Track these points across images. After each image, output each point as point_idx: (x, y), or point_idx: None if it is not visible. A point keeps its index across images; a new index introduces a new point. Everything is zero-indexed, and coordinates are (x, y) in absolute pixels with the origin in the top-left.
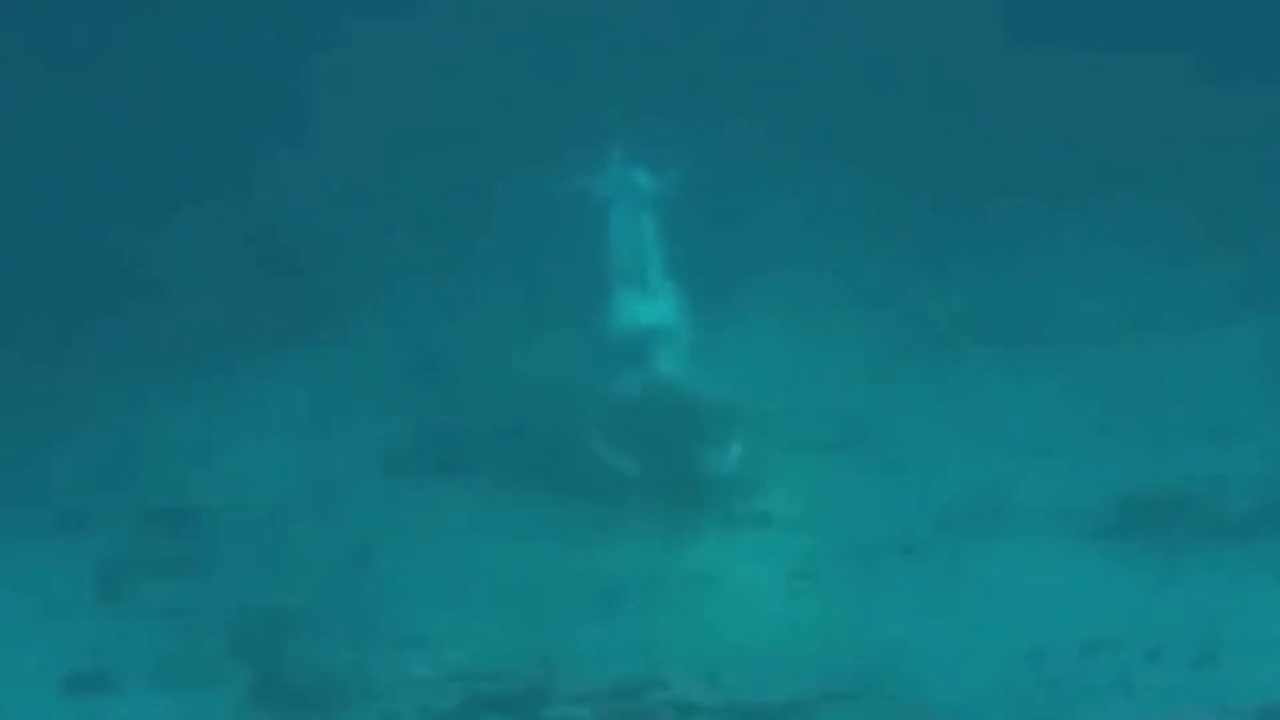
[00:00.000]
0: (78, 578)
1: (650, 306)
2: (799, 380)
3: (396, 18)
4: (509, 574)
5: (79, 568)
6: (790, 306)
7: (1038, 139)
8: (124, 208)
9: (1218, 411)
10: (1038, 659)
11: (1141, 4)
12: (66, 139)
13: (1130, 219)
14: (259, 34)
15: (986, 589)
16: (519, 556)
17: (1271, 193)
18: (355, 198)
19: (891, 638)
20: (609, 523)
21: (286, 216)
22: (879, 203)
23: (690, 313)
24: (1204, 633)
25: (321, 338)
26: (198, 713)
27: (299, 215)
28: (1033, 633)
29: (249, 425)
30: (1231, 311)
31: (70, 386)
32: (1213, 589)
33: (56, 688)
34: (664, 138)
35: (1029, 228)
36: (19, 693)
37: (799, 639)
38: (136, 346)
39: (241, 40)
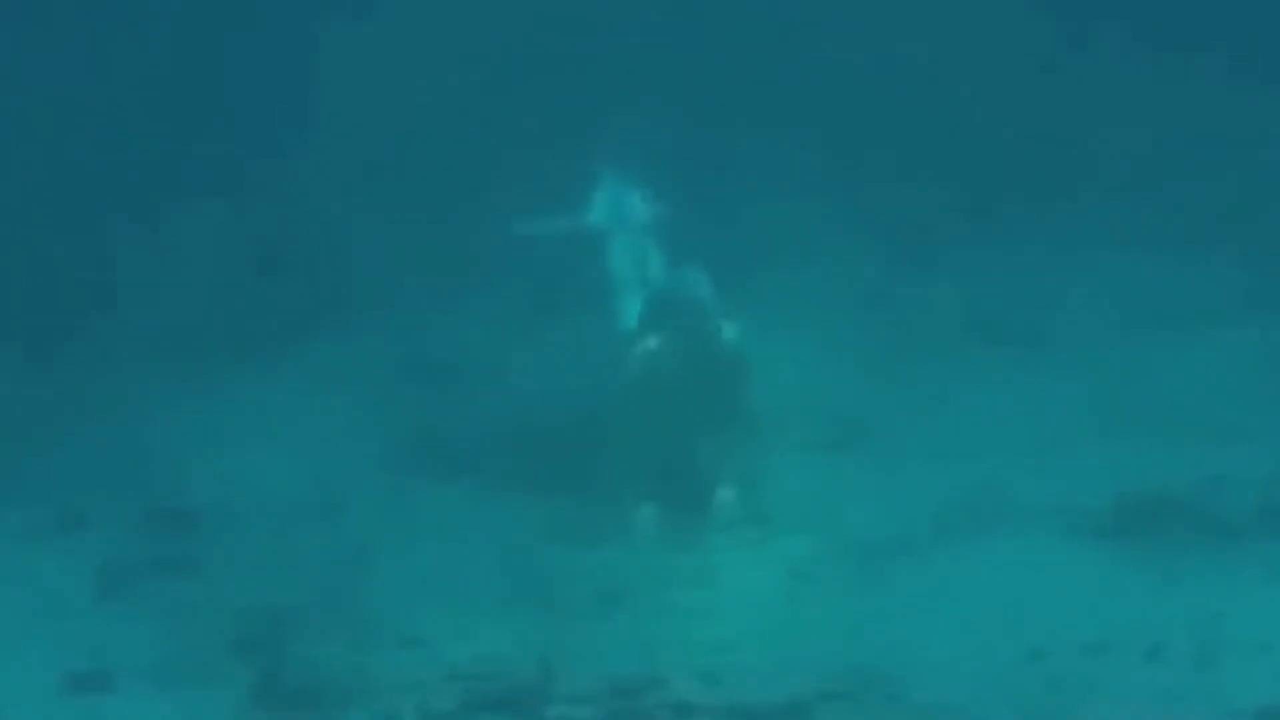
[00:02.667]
0: (77, 577)
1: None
2: (799, 380)
3: (395, 15)
4: (509, 574)
5: (79, 567)
6: (789, 306)
7: (1038, 138)
8: (123, 206)
9: (1218, 411)
10: (1038, 659)
11: (1141, 5)
12: (64, 138)
13: (1131, 219)
14: (256, 30)
15: (987, 589)
16: (519, 556)
17: (1272, 192)
18: (355, 196)
19: (891, 638)
20: (609, 523)
21: (286, 215)
22: (879, 202)
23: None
24: (1204, 633)
25: (321, 337)
26: (198, 713)
27: (298, 214)
28: (1033, 633)
29: (249, 425)
30: (1232, 311)
31: (69, 385)
32: (1213, 589)
33: (56, 687)
34: (661, 139)
35: (1029, 227)
36: (18, 692)
37: (798, 639)
38: (136, 345)
39: (239, 37)
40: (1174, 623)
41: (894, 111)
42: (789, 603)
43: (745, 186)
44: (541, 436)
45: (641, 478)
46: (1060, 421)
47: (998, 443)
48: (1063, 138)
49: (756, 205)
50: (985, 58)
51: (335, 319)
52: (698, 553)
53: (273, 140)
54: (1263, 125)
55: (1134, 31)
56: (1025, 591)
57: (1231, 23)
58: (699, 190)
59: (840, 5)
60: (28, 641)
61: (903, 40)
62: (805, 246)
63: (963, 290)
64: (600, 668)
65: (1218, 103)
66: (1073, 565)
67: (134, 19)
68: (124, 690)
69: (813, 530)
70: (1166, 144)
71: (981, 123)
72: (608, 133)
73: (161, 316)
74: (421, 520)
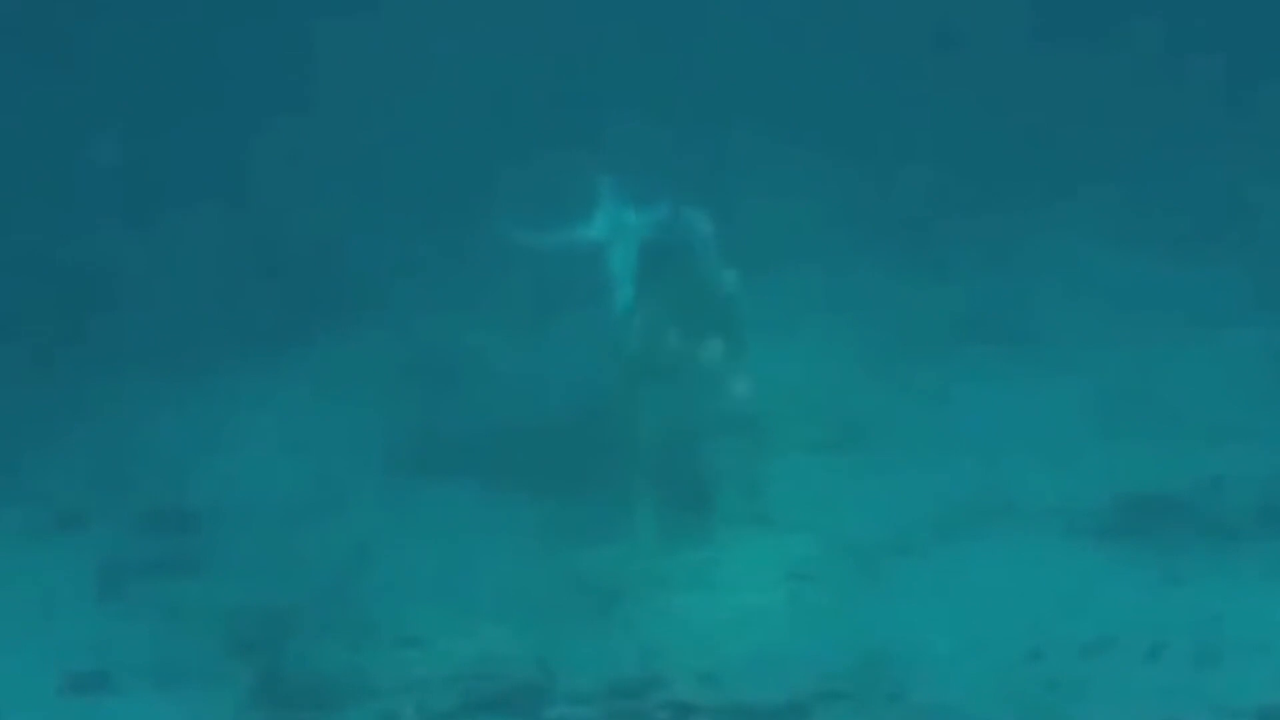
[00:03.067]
0: (77, 577)
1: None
2: (799, 380)
3: (395, 14)
4: (509, 574)
5: (79, 567)
6: (789, 306)
7: (1038, 138)
8: (122, 207)
9: (1218, 412)
10: (1038, 659)
11: (1140, 5)
12: (61, 137)
13: (1131, 219)
14: (256, 28)
15: (986, 589)
16: (519, 556)
17: (1272, 192)
18: (353, 196)
19: (891, 638)
20: (609, 523)
21: (284, 215)
22: (879, 202)
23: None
24: (1204, 633)
25: (321, 337)
26: (198, 713)
27: (297, 214)
28: (1033, 633)
29: (248, 424)
30: (1232, 312)
31: (69, 386)
32: (1213, 589)
33: (56, 687)
34: (659, 139)
35: (1029, 227)
36: (19, 692)
37: (798, 639)
38: (136, 345)
39: (238, 35)
40: (1174, 623)
41: (893, 109)
42: (789, 603)
43: (744, 186)
44: (542, 436)
45: (647, 462)
46: (1060, 421)
47: (998, 443)
48: (1063, 137)
49: (756, 205)
50: (987, 57)
51: (335, 319)
52: (697, 552)
53: (273, 141)
54: (1264, 125)
55: (1136, 34)
56: (1025, 591)
57: (1231, 22)
58: (697, 190)
59: (842, 6)
60: (28, 641)
61: (902, 38)
62: (805, 246)
63: (963, 290)
64: (600, 668)
65: (1218, 102)
66: (1072, 565)
67: (133, 19)
68: (124, 690)
69: (813, 530)
70: (1167, 143)
71: (982, 122)
72: (607, 139)
73: (161, 316)
74: (421, 520)
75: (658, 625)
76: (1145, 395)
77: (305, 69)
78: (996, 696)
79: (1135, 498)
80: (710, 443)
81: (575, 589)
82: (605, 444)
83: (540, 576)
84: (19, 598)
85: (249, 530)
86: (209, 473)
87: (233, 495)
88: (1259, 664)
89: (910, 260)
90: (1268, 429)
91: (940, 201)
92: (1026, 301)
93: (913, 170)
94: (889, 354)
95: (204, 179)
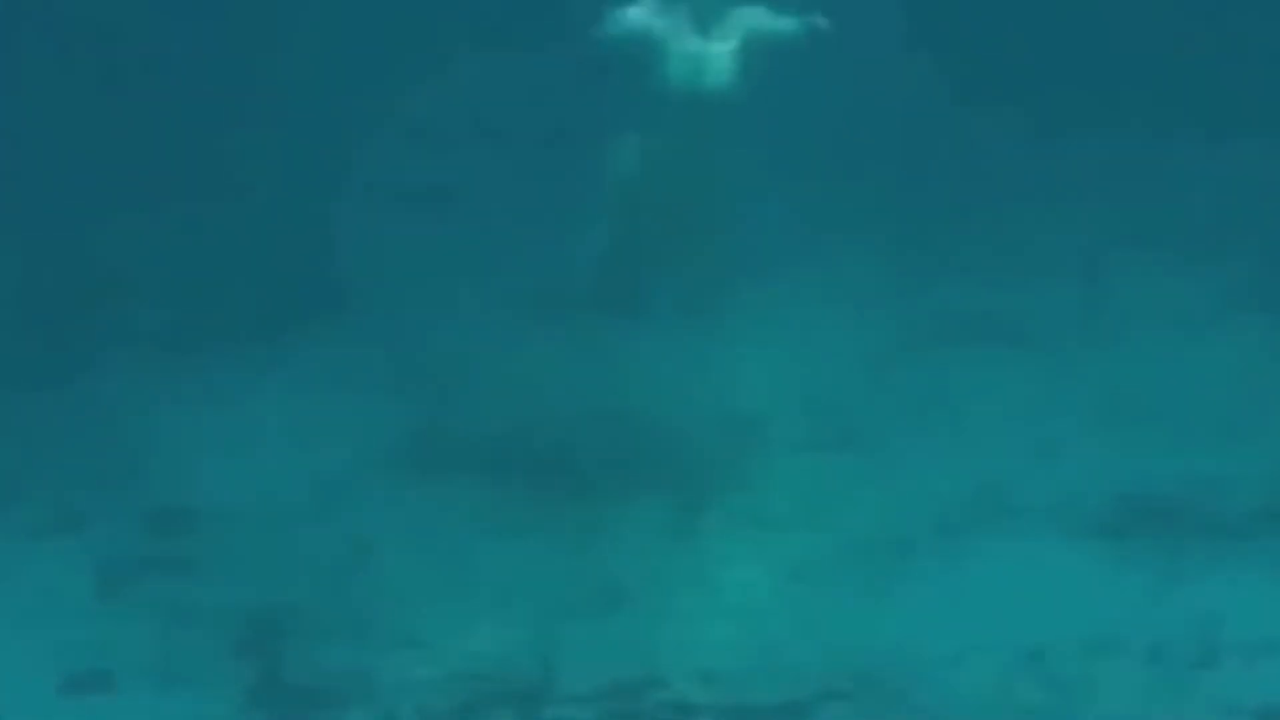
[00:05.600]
0: (76, 577)
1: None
2: (798, 380)
3: (394, 12)
4: (509, 574)
5: (78, 567)
6: (788, 306)
7: (1037, 137)
8: (117, 205)
9: (1218, 411)
10: (1038, 659)
11: (1140, 6)
12: (54, 135)
13: (1131, 218)
14: (251, 25)
15: (986, 589)
16: (519, 556)
17: (1272, 193)
18: (350, 194)
19: (891, 638)
20: (609, 523)
21: (282, 213)
22: (878, 201)
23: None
24: (1204, 633)
25: (321, 335)
26: (197, 713)
27: (294, 212)
28: (1033, 633)
29: (248, 424)
30: (1232, 312)
31: (67, 385)
32: (1213, 589)
33: (55, 688)
34: None
35: (1029, 227)
36: (18, 693)
37: (798, 639)
38: (133, 345)
39: (233, 32)
40: (1174, 623)
41: (892, 109)
42: (789, 603)
43: (743, 185)
44: (542, 435)
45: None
46: (1060, 421)
47: (998, 443)
48: (1061, 136)
49: (754, 203)
50: (984, 53)
51: (335, 317)
52: (698, 552)
53: (266, 136)
54: (1265, 124)
55: (1133, 32)
56: (1025, 591)
57: (1228, 24)
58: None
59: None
60: (28, 641)
61: (901, 39)
62: (803, 246)
63: (963, 290)
64: (600, 668)
65: (1218, 101)
66: (1072, 565)
67: (127, 17)
68: (124, 690)
69: (813, 530)
70: (1166, 144)
71: (979, 120)
72: None
73: (161, 314)
74: (421, 520)
75: (658, 625)
76: (1145, 395)
77: (301, 63)
78: (996, 696)
79: (1135, 497)
80: (710, 442)
81: (575, 588)
82: (604, 443)
83: (540, 576)
84: (19, 598)
85: (249, 530)
86: (209, 472)
87: (233, 494)
88: (1259, 664)
89: (910, 260)
90: (1268, 429)
91: (941, 200)
92: (1026, 301)
93: (913, 169)
94: (888, 353)
95: (200, 176)
